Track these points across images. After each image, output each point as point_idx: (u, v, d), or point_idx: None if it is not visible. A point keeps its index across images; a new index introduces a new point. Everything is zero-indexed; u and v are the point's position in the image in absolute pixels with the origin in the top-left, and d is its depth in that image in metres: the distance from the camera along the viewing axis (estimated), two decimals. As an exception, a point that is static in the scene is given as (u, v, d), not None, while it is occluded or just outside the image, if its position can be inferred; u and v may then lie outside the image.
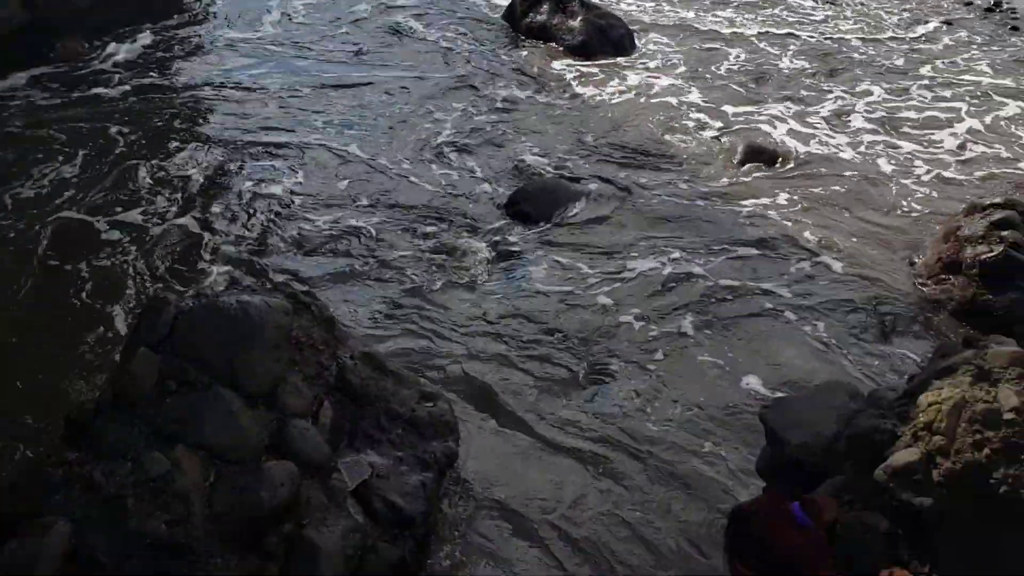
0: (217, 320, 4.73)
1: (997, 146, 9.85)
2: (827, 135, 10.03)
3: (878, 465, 3.65)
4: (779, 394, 5.87)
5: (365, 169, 9.11)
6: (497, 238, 8.04)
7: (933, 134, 10.09)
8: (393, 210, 8.42)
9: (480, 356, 6.58)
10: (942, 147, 9.84)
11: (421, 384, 5.45)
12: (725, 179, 9.12)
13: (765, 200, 8.75)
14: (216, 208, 8.31)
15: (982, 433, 3.47)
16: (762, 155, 9.42)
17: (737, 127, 10.18)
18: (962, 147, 9.85)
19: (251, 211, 8.32)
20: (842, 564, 3.51)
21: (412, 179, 8.94)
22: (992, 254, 7.17)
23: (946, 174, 9.32)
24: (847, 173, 9.27)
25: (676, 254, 7.89)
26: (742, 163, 9.34)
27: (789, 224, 8.35)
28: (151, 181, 8.70)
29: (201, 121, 9.98)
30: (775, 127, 10.19)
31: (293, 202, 8.47)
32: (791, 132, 10.08)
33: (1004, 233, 7.28)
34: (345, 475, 4.75)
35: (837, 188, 9.00)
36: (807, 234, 8.21)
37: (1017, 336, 5.26)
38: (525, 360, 6.56)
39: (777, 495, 2.84)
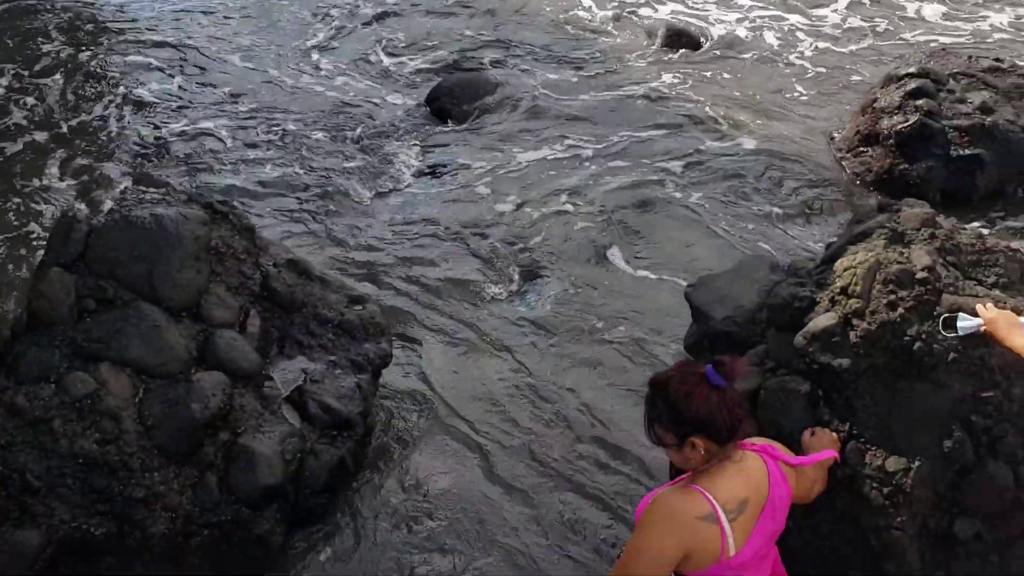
0: (132, 235, 4.59)
1: (878, 19, 9.91)
2: (726, 16, 9.98)
3: (798, 332, 3.75)
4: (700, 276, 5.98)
5: (261, 78, 8.85)
6: (416, 138, 7.91)
7: (820, 10, 10.12)
8: (299, 117, 8.20)
9: (405, 261, 6.52)
10: (840, 23, 9.88)
11: (348, 288, 5.40)
12: (640, 65, 9.05)
13: (676, 85, 8.70)
14: (98, 119, 8.04)
15: (896, 293, 3.57)
16: (681, 39, 9.35)
17: (641, 11, 10.07)
18: (864, 20, 9.89)
19: (148, 122, 8.06)
20: (766, 428, 3.64)
21: (316, 87, 8.69)
22: (907, 124, 7.28)
23: (855, 48, 9.38)
24: (754, 54, 9.27)
25: (590, 143, 7.85)
26: (662, 47, 9.27)
27: (703, 108, 8.33)
28: (9, 91, 8.31)
29: (73, 29, 9.53)
30: (668, 8, 10.09)
31: (184, 113, 8.20)
32: (697, 15, 10.00)
33: (919, 102, 7.38)
34: (278, 382, 4.73)
35: (747, 69, 9.02)
36: (720, 115, 8.22)
37: (931, 202, 5.39)
38: (453, 262, 6.52)
39: (691, 361, 2.91)
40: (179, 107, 8.33)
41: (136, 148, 7.72)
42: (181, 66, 9.01)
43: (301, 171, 7.48)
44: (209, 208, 5.01)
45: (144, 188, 4.91)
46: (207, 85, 8.70)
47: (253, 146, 7.78)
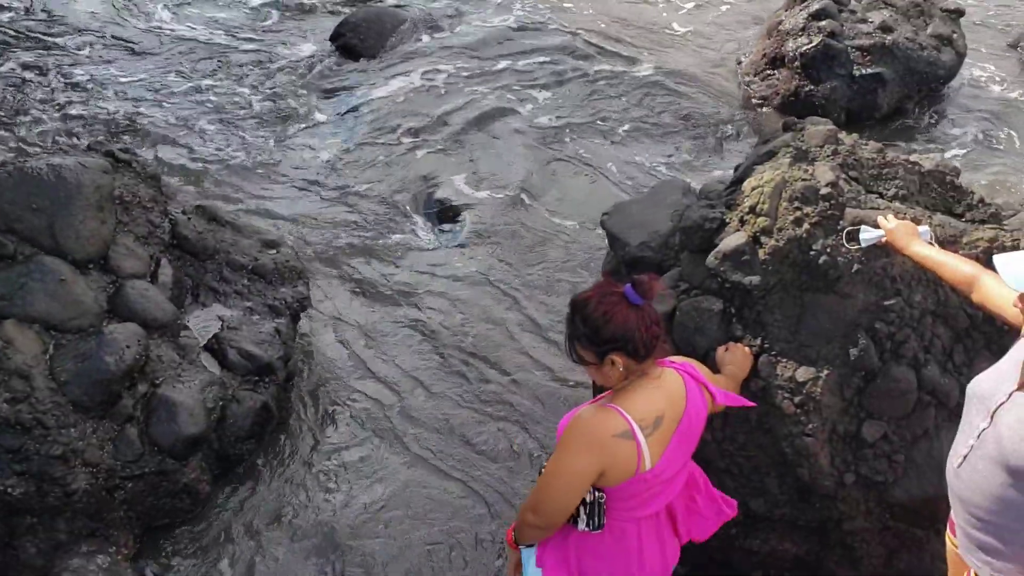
0: (29, 187, 4.41)
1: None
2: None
3: (710, 252, 3.83)
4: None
5: (136, 24, 8.46)
6: (325, 78, 7.74)
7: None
8: (186, 63, 7.90)
9: (314, 211, 6.43)
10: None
11: (261, 232, 5.31)
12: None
13: (575, 14, 8.66)
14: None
15: (801, 209, 3.65)
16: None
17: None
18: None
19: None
20: (682, 348, 3.73)
21: (198, 33, 8.36)
22: (811, 45, 7.39)
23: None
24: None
25: (497, 78, 7.78)
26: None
27: (607, 39, 8.32)
28: None
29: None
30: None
31: (71, 60, 7.82)
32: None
33: (822, 23, 7.49)
34: (195, 331, 4.66)
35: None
36: (622, 46, 8.22)
37: (836, 122, 5.50)
38: (362, 210, 6.45)
39: (610, 280, 2.93)
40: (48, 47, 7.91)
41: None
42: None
43: (215, 120, 7.23)
44: (110, 156, 4.86)
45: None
46: (78, 29, 8.28)
47: (146, 96, 7.47)
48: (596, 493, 2.85)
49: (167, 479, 4.24)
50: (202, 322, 4.78)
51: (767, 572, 3.97)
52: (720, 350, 3.61)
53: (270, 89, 7.59)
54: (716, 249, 3.80)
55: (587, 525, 2.89)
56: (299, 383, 5.07)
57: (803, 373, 3.56)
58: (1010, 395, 2.60)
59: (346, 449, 4.78)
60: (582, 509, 2.87)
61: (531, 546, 3.05)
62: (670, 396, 2.90)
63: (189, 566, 4.21)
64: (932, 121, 7.53)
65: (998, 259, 2.65)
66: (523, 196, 6.53)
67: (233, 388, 4.58)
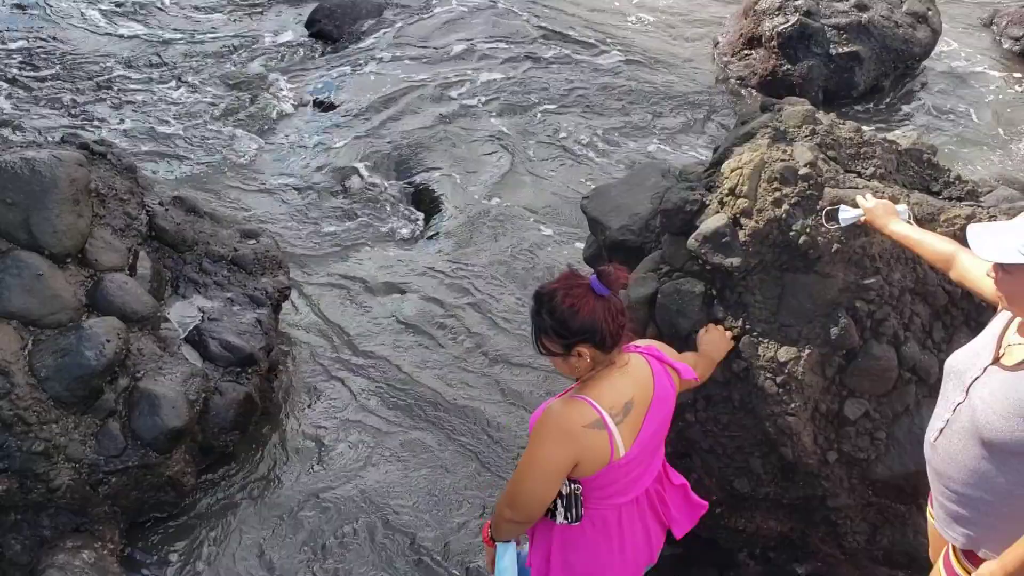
0: (3, 181, 4.36)
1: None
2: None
3: (690, 235, 3.83)
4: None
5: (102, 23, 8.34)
6: (296, 67, 7.67)
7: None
8: (174, 57, 7.80)
9: (293, 205, 6.39)
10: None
11: (240, 222, 5.28)
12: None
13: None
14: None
15: (781, 190, 3.66)
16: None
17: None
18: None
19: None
20: (665, 330, 3.75)
21: (168, 26, 8.27)
22: (788, 24, 7.40)
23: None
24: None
25: (468, 70, 7.74)
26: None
27: (574, 23, 8.29)
28: None
29: None
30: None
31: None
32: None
33: (798, 2, 7.51)
34: (175, 323, 4.63)
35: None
36: (592, 31, 8.19)
37: (814, 101, 5.52)
38: (341, 203, 6.42)
39: (575, 272, 2.92)
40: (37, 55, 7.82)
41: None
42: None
43: (187, 116, 7.15)
44: (85, 149, 4.81)
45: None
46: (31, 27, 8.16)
47: (113, 93, 7.36)
48: (572, 485, 2.86)
49: (151, 472, 4.22)
50: (182, 314, 4.75)
51: (752, 550, 4.01)
52: (701, 332, 3.63)
53: (242, 79, 7.52)
54: (697, 231, 3.80)
55: (565, 518, 2.89)
56: (282, 373, 5.06)
57: (785, 353, 3.58)
58: (985, 369, 2.63)
59: (330, 438, 4.77)
60: (559, 502, 2.87)
61: (507, 542, 3.06)
62: (638, 381, 2.90)
63: (175, 559, 4.20)
64: (908, 99, 7.57)
65: (971, 230, 2.66)
66: (495, 185, 6.52)
67: (215, 380, 4.56)
